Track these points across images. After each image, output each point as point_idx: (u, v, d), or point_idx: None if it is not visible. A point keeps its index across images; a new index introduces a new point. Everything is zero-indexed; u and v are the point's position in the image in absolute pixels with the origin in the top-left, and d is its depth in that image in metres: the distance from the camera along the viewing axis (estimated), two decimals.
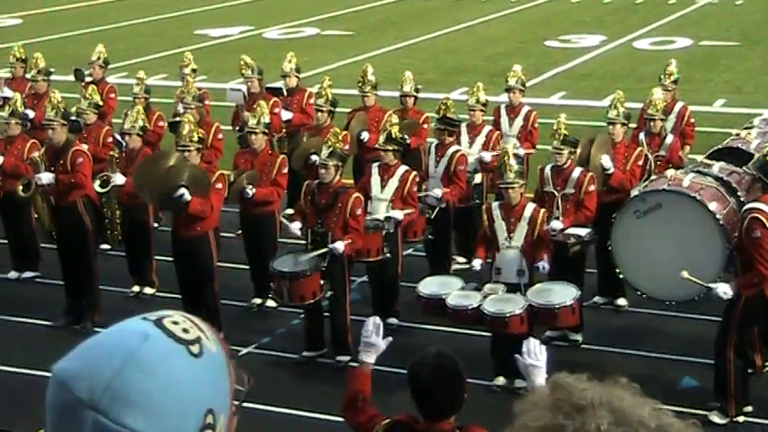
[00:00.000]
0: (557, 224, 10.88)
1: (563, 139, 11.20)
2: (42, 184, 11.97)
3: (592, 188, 11.13)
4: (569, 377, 1.75)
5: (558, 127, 11.23)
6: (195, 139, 11.34)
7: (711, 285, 9.45)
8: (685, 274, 9.56)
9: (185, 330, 1.76)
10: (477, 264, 10.54)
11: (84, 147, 12.37)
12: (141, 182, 11.26)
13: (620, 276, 10.62)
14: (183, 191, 10.95)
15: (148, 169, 11.28)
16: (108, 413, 1.63)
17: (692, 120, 13.88)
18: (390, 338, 6.25)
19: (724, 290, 9.38)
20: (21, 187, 12.15)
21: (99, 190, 12.17)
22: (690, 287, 9.77)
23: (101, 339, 1.74)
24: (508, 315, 9.78)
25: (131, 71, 21.49)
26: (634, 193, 10.85)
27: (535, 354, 5.67)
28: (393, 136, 11.80)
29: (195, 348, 1.74)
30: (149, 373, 1.67)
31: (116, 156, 12.42)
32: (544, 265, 10.22)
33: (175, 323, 1.76)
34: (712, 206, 9.91)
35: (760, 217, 9.09)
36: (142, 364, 1.67)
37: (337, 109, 14.04)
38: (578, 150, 11.52)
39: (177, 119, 13.09)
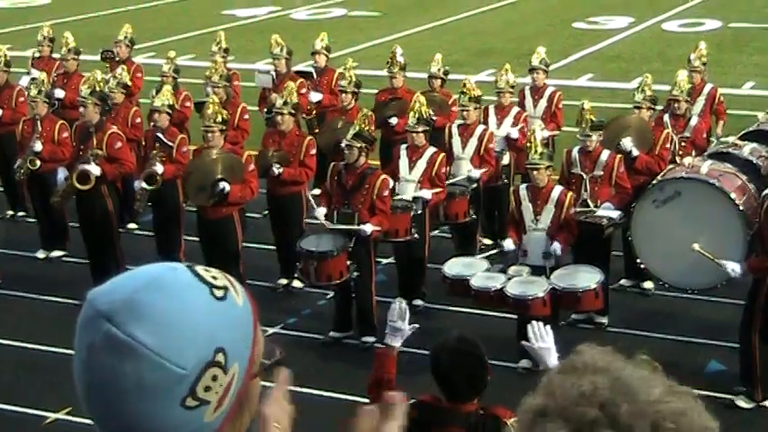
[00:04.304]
0: (557, 245, 10.31)
1: (591, 124, 11.14)
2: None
3: (622, 169, 11.10)
4: (586, 345, 1.76)
5: (584, 113, 11.15)
6: (219, 120, 11.38)
7: (722, 262, 9.48)
8: (696, 246, 9.57)
9: (214, 278, 1.85)
10: (508, 244, 10.51)
11: (115, 128, 12.41)
12: (191, 191, 11.53)
13: (642, 267, 10.60)
14: (223, 184, 11.07)
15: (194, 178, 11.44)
16: (120, 324, 1.73)
17: (722, 99, 13.82)
18: (417, 325, 6.26)
19: (733, 267, 9.42)
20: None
21: (147, 187, 12.19)
22: (711, 274, 9.75)
23: (135, 269, 1.86)
24: (530, 297, 9.78)
25: (159, 51, 21.57)
26: (652, 182, 10.79)
27: (541, 336, 5.68)
28: (423, 116, 11.80)
29: (219, 292, 1.82)
30: (166, 296, 1.77)
31: (158, 153, 12.33)
32: (556, 247, 10.20)
33: (207, 271, 1.86)
34: (732, 192, 9.87)
35: None
36: (162, 286, 1.78)
37: (363, 90, 14.02)
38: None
39: (204, 99, 13.11)
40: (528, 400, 1.70)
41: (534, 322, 5.89)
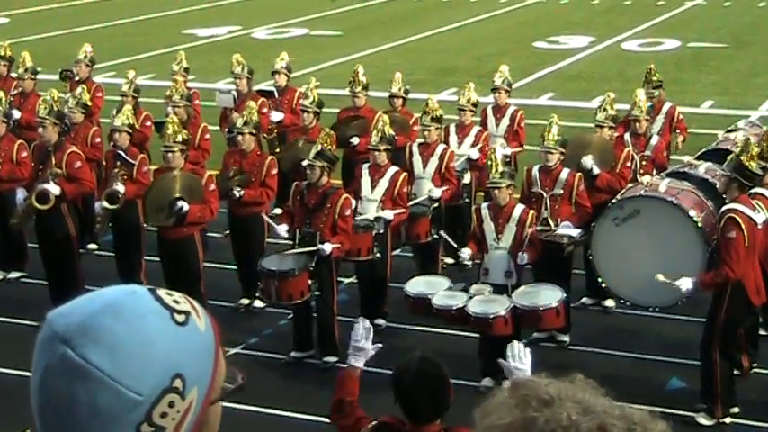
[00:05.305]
0: (524, 255, 10.36)
1: (556, 140, 11.18)
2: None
3: (582, 188, 11.16)
4: (528, 376, 1.76)
5: (551, 127, 11.18)
6: (179, 140, 11.32)
7: (676, 282, 9.52)
8: (661, 277, 9.60)
9: (176, 302, 1.82)
10: (465, 253, 10.50)
11: (74, 148, 12.30)
12: (149, 211, 11.40)
13: (603, 285, 10.64)
14: (180, 203, 10.99)
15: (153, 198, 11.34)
16: (75, 347, 1.71)
17: (681, 117, 13.95)
18: (380, 345, 6.23)
19: (686, 284, 9.45)
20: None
21: (109, 207, 12.05)
22: (671, 292, 9.80)
23: (96, 291, 1.83)
24: (492, 316, 9.78)
25: (119, 71, 21.46)
26: (612, 201, 10.84)
27: (520, 357, 5.68)
28: (386, 136, 11.79)
29: (180, 317, 1.79)
30: (123, 320, 1.74)
31: (119, 172, 12.20)
32: (523, 257, 10.20)
33: (170, 294, 1.83)
34: (690, 210, 9.94)
35: (736, 217, 9.15)
36: (119, 311, 1.75)
37: (325, 109, 14.01)
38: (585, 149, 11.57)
39: (163, 119, 13.03)
40: None
41: (516, 342, 5.88)
